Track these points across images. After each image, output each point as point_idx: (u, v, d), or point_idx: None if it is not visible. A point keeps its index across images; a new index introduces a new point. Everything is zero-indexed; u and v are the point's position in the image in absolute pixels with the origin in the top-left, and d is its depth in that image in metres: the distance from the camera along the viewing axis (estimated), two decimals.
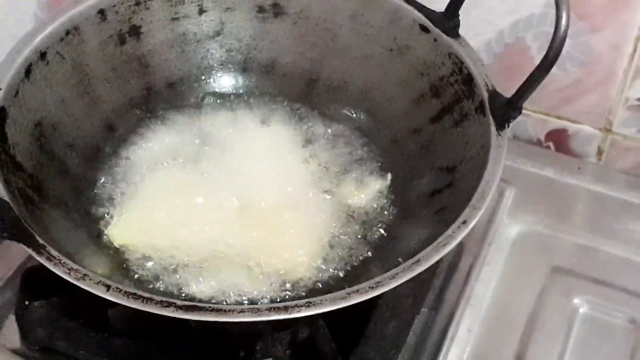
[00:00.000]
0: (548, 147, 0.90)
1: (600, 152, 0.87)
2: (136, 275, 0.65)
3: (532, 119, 0.88)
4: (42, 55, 0.68)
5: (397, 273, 0.55)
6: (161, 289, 0.65)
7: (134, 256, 0.67)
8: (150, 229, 0.68)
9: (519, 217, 0.80)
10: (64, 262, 0.54)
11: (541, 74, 0.61)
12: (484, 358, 0.69)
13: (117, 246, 0.67)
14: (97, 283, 0.53)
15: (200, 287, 0.65)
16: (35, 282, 0.68)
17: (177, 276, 0.65)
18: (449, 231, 0.58)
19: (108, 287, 0.53)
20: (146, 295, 0.52)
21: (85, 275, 0.53)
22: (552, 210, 0.80)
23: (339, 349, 0.65)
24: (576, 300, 0.73)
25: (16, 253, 0.74)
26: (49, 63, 0.69)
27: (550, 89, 0.84)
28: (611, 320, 0.72)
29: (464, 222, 0.58)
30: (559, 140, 0.89)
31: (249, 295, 0.64)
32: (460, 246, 0.76)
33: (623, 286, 0.74)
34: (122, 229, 0.68)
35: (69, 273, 0.53)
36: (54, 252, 0.54)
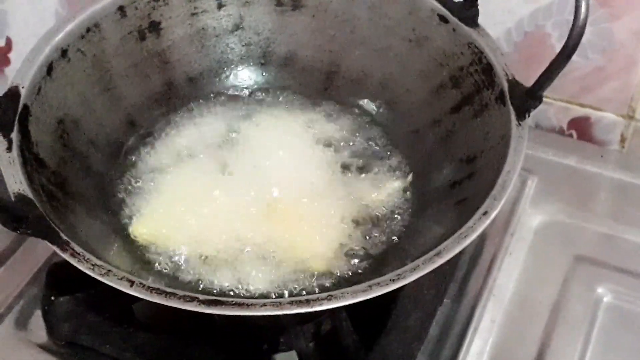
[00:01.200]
0: (570, 135, 0.89)
1: (623, 140, 0.87)
2: (159, 270, 0.66)
3: (554, 107, 0.88)
4: (64, 52, 0.69)
5: (418, 265, 0.55)
6: (184, 282, 0.65)
7: (157, 251, 0.67)
8: (172, 224, 0.68)
9: (542, 207, 0.79)
10: (88, 258, 0.54)
11: (561, 62, 0.60)
12: (507, 349, 0.69)
13: (141, 242, 0.67)
14: (121, 279, 0.54)
15: (222, 281, 0.65)
16: (61, 278, 0.68)
17: (200, 270, 0.66)
18: (470, 222, 0.58)
19: (132, 283, 0.53)
20: (169, 290, 0.53)
21: (109, 271, 0.54)
22: (574, 199, 0.80)
23: (361, 341, 0.65)
24: (600, 290, 0.72)
25: (41, 249, 0.75)
26: (70, 60, 0.69)
27: (572, 76, 0.84)
28: (636, 309, 0.71)
29: (485, 213, 0.58)
30: (581, 128, 0.88)
31: (271, 289, 0.65)
32: (482, 237, 0.76)
33: None
34: (146, 224, 0.68)
35: (92, 269, 0.54)
36: (78, 249, 0.55)
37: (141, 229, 0.68)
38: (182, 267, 0.66)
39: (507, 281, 0.73)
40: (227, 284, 0.65)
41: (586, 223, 0.78)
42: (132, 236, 0.68)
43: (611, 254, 0.75)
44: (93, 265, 0.54)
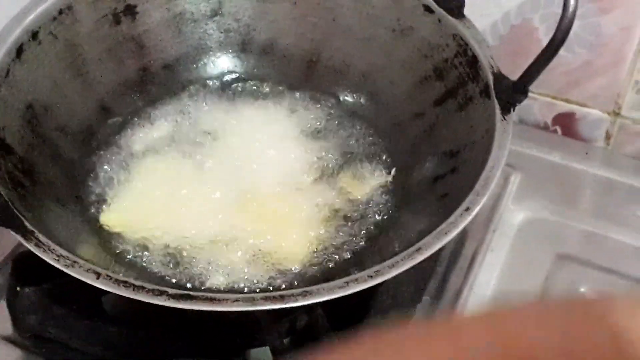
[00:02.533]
0: (555, 131, 0.88)
1: (608, 137, 0.85)
2: (130, 261, 0.64)
3: (539, 103, 0.86)
4: (34, 35, 0.67)
5: (397, 261, 0.54)
6: (156, 276, 0.63)
7: (129, 243, 0.65)
8: (145, 215, 0.66)
9: (525, 203, 0.78)
10: (53, 249, 0.53)
11: (548, 56, 0.59)
12: None
13: (111, 231, 0.65)
14: (87, 271, 0.52)
15: (195, 275, 0.63)
16: (27, 268, 0.66)
17: (171, 264, 0.64)
18: (452, 218, 0.56)
19: (98, 275, 0.52)
20: (137, 283, 0.51)
21: (74, 262, 0.52)
22: (558, 196, 0.79)
23: (338, 338, 0.64)
24: (582, 289, 0.71)
25: (7, 238, 0.72)
26: (41, 43, 0.67)
27: (558, 71, 0.82)
28: None
29: (467, 209, 0.57)
30: (566, 125, 0.87)
31: (245, 283, 0.63)
32: (464, 233, 0.74)
33: (630, 274, 0.72)
34: (117, 215, 0.66)
35: (57, 260, 0.52)
36: (43, 238, 0.53)
37: (111, 218, 0.66)
38: (153, 260, 0.64)
39: (488, 278, 0.72)
40: (199, 278, 0.63)
41: (570, 221, 0.77)
42: (102, 225, 0.66)
43: (594, 252, 0.74)
44: (58, 256, 0.52)
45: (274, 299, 0.51)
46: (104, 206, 0.67)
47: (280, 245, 0.65)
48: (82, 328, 0.64)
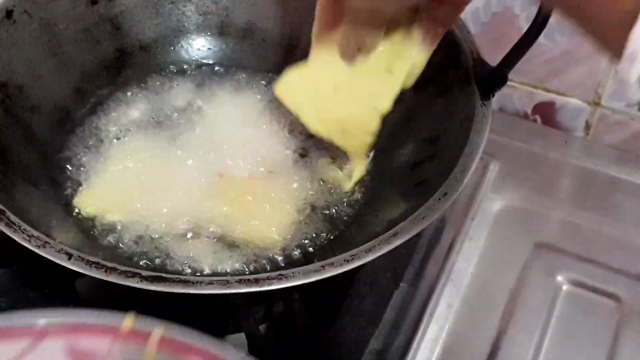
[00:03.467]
0: (535, 120, 0.87)
1: (588, 127, 0.85)
2: (104, 244, 0.63)
3: (519, 91, 0.86)
4: (9, 13, 0.66)
5: (374, 246, 0.53)
6: (131, 259, 0.62)
7: (103, 225, 0.64)
8: (118, 198, 0.65)
9: (503, 192, 0.78)
10: (24, 229, 0.52)
11: (528, 42, 0.59)
12: (463, 335, 0.67)
13: (86, 214, 0.64)
14: (59, 251, 0.51)
15: (170, 259, 0.62)
16: None
17: (148, 247, 0.63)
18: (430, 203, 0.56)
19: (70, 256, 0.51)
20: (110, 265, 0.50)
21: (46, 242, 0.51)
22: (537, 185, 0.79)
23: (314, 324, 0.63)
24: (559, 278, 0.71)
25: None
26: (16, 22, 0.66)
27: (539, 60, 0.82)
28: (595, 298, 0.70)
29: (445, 195, 0.56)
30: (546, 114, 0.87)
31: (220, 267, 0.62)
32: (442, 220, 0.74)
33: (608, 263, 0.72)
34: (91, 197, 0.66)
35: (29, 240, 0.51)
36: (14, 218, 0.52)
37: (86, 201, 0.65)
38: (128, 242, 0.63)
39: (465, 266, 0.71)
40: (174, 261, 0.62)
41: (548, 210, 0.77)
42: (76, 208, 0.64)
43: (572, 241, 0.74)
44: (29, 236, 0.51)
45: (248, 282, 0.50)
46: (79, 189, 0.66)
47: (257, 229, 0.64)
48: None
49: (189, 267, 0.62)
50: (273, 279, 0.51)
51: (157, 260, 0.62)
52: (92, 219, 0.64)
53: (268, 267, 0.62)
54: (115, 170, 0.67)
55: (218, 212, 0.64)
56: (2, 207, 0.53)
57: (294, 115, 0.67)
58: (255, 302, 0.63)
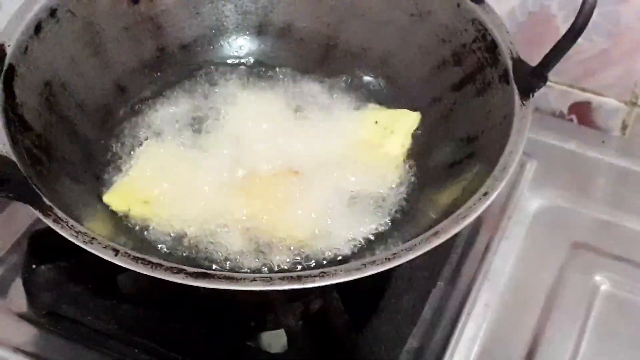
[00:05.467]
0: (571, 120, 0.87)
1: (624, 126, 0.85)
2: (142, 240, 0.63)
3: (555, 91, 0.86)
4: (53, 12, 0.66)
5: (415, 245, 0.53)
6: (170, 256, 0.63)
7: (137, 222, 0.65)
8: (147, 195, 0.65)
9: (540, 191, 0.78)
10: (72, 225, 0.52)
11: (568, 43, 0.59)
12: (501, 334, 0.67)
13: (115, 210, 0.65)
14: (106, 247, 0.52)
15: (207, 257, 0.63)
16: (43, 245, 0.66)
17: (180, 243, 0.63)
18: (470, 203, 0.56)
19: (116, 252, 0.51)
20: (155, 261, 0.51)
21: (93, 238, 0.52)
22: (574, 185, 0.78)
23: (352, 322, 0.63)
24: (597, 277, 0.71)
25: (23, 215, 0.73)
26: (60, 21, 0.67)
27: (575, 59, 0.82)
28: (633, 298, 0.70)
29: (485, 194, 0.56)
30: (582, 113, 0.86)
31: (256, 265, 0.62)
32: (479, 220, 0.74)
33: None
34: (120, 194, 0.66)
35: (76, 236, 0.52)
36: (62, 214, 0.53)
37: (113, 198, 0.65)
38: (159, 239, 0.63)
39: (502, 265, 0.71)
40: (211, 259, 0.62)
41: (585, 209, 0.76)
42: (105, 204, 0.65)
43: (610, 241, 0.74)
44: (77, 232, 0.52)
45: (291, 279, 0.51)
46: (110, 186, 0.67)
47: (292, 227, 0.64)
48: (96, 306, 0.64)
49: (225, 264, 0.62)
50: (315, 276, 0.51)
51: (196, 258, 0.63)
52: (125, 216, 0.65)
53: (305, 265, 0.63)
54: (147, 168, 0.68)
55: (253, 211, 0.64)
56: (50, 204, 0.53)
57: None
58: (295, 299, 0.63)
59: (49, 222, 0.52)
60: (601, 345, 0.67)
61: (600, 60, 0.82)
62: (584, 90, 0.85)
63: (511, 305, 0.69)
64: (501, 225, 0.74)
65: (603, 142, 0.83)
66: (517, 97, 0.62)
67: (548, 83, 0.81)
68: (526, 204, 0.76)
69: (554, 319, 0.68)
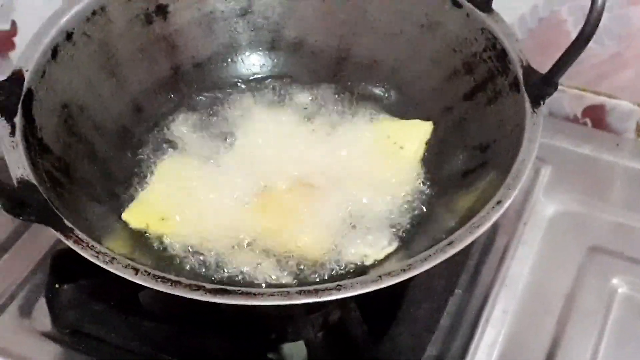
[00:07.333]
0: (585, 123, 0.87)
1: (639, 129, 0.85)
2: (163, 258, 0.64)
3: (568, 95, 0.86)
4: (69, 35, 0.68)
5: (430, 255, 0.54)
6: (189, 272, 0.64)
7: (156, 239, 0.66)
8: (165, 213, 0.66)
9: (556, 196, 0.78)
10: (92, 245, 0.53)
11: (578, 48, 0.59)
12: (520, 339, 0.67)
13: (134, 228, 0.66)
14: (126, 267, 0.53)
15: (225, 272, 0.64)
16: (66, 265, 0.68)
17: (196, 260, 0.64)
18: (483, 212, 0.56)
19: (137, 271, 0.52)
20: (174, 278, 0.52)
21: (113, 258, 0.53)
22: (589, 188, 0.79)
23: (370, 331, 0.64)
24: (615, 281, 0.71)
25: (46, 236, 0.74)
26: (76, 44, 0.68)
27: (587, 63, 0.82)
28: None
29: (499, 202, 0.57)
30: (596, 117, 0.86)
31: (274, 280, 0.63)
32: (495, 226, 0.74)
33: None
34: (139, 212, 0.67)
35: (97, 256, 0.53)
36: (82, 235, 0.54)
37: (131, 215, 0.66)
38: (178, 256, 0.64)
39: (519, 271, 0.72)
40: (229, 274, 0.63)
41: (601, 213, 0.76)
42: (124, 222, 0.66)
43: (626, 244, 0.74)
44: (97, 252, 0.53)
45: (308, 293, 0.52)
46: (129, 204, 0.68)
47: (307, 241, 0.65)
48: (119, 323, 0.65)
49: (241, 279, 0.63)
50: (332, 289, 0.52)
51: (214, 274, 0.63)
52: (144, 232, 0.66)
53: (317, 277, 0.63)
54: (164, 186, 0.69)
55: (268, 226, 0.65)
56: (71, 225, 0.54)
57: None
58: (314, 311, 0.64)
59: (69, 244, 0.54)
60: (620, 348, 0.67)
61: (612, 64, 0.82)
62: (597, 93, 0.85)
63: (529, 311, 0.69)
64: (517, 231, 0.75)
65: (617, 145, 0.83)
66: (528, 105, 0.63)
67: (561, 87, 0.82)
68: (542, 209, 0.77)
69: (572, 324, 0.68)
